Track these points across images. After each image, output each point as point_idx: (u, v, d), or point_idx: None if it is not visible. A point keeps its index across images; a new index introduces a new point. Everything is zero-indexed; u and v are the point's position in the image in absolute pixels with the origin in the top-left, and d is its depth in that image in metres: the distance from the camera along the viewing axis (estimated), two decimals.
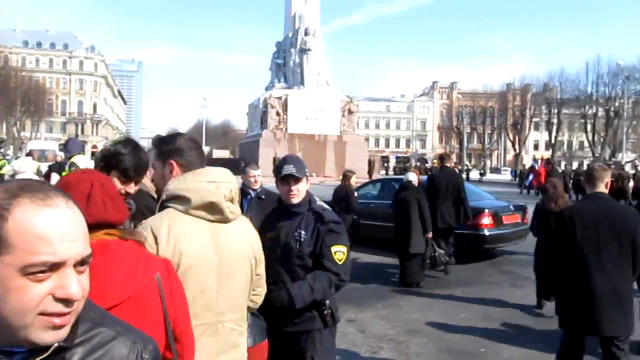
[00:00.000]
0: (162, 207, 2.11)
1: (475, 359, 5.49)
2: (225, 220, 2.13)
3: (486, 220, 9.91)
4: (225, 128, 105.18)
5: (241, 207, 5.33)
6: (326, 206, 3.31)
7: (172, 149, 2.30)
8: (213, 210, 2.09)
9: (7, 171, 29.08)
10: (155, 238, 1.96)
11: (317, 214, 3.09)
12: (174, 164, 2.26)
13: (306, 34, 44.28)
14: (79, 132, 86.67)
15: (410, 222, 8.41)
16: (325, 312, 3.05)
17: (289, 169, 3.08)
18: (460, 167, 49.06)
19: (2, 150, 59.86)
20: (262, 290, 2.43)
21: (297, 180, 3.08)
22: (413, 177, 9.08)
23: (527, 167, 41.48)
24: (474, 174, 51.16)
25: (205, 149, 56.35)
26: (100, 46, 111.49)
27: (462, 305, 7.37)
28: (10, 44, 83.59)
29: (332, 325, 3.10)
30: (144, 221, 2.07)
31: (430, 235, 8.63)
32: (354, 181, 9.56)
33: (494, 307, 7.38)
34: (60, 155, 21.88)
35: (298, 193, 3.10)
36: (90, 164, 6.75)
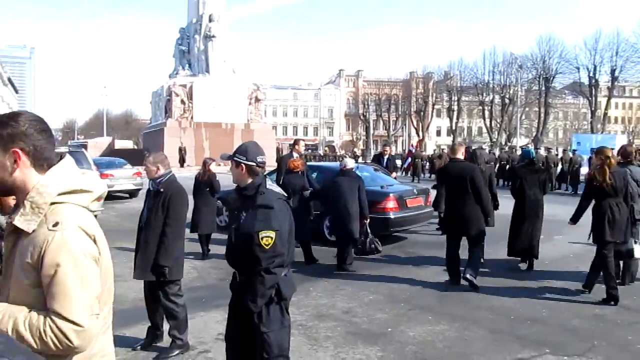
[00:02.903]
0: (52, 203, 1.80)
1: (383, 339, 5.61)
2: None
3: (391, 204, 10.15)
4: (128, 117, 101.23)
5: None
6: (277, 190, 3.52)
7: (14, 133, 1.78)
8: (99, 200, 1.95)
9: None
10: (95, 240, 1.80)
11: (255, 197, 3.38)
12: (19, 152, 1.78)
13: (210, 20, 43.40)
14: None
15: (350, 207, 8.51)
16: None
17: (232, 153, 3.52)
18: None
19: None
20: None
21: (232, 164, 3.48)
22: (351, 163, 9.21)
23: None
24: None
25: (107, 140, 54.49)
26: None
27: (369, 289, 7.51)
28: None
29: (278, 301, 3.41)
30: (61, 226, 1.74)
31: (367, 220, 8.74)
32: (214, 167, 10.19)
33: (400, 288, 7.58)
34: None
35: (233, 174, 3.52)
36: None
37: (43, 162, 1.82)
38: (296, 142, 11.21)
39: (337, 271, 8.51)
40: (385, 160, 14.14)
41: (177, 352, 5.10)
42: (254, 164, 3.45)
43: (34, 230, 1.76)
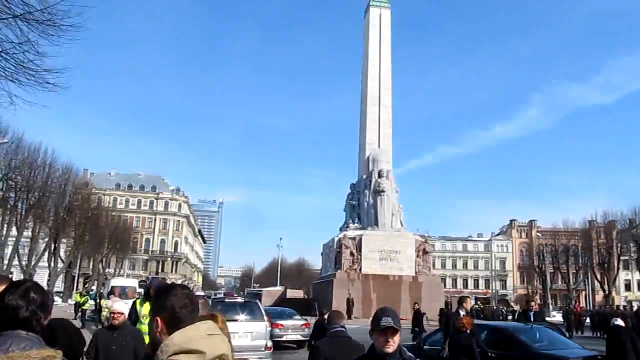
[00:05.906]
0: None
1: None
2: None
3: None
4: (300, 267, 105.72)
5: None
6: (413, 356, 3.48)
7: (161, 305, 2.31)
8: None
9: (89, 306, 30.25)
10: None
11: None
12: (159, 321, 2.28)
13: (380, 175, 45.37)
14: (159, 270, 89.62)
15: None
16: None
17: (388, 321, 3.29)
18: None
19: (87, 285, 62.44)
20: None
21: (395, 332, 3.28)
22: (620, 321, 10.21)
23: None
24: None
25: (280, 289, 56.95)
26: (185, 188, 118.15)
27: None
28: (104, 187, 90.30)
29: None
30: None
31: None
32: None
33: None
34: (140, 292, 22.53)
35: (394, 344, 3.28)
36: (121, 307, 6.61)
37: (176, 328, 2.22)
38: (462, 299, 10.85)
39: None
40: (532, 316, 12.66)
41: None
42: None
43: None
